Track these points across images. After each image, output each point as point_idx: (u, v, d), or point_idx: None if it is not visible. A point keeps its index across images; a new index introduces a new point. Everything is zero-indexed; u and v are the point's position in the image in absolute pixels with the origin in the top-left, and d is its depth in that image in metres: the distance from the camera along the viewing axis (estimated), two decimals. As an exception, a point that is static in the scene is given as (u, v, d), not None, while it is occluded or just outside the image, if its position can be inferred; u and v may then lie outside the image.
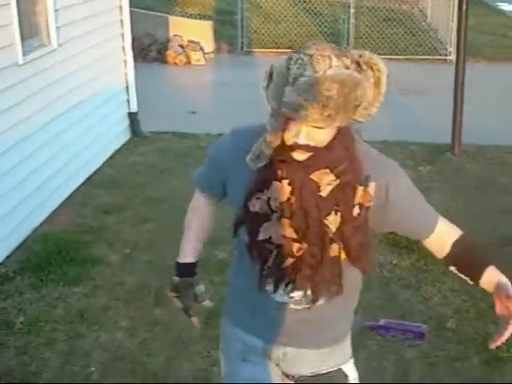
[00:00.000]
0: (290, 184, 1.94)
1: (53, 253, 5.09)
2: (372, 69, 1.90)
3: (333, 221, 1.95)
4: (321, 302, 2.11)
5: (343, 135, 1.95)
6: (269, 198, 1.97)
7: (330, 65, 1.81)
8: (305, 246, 1.97)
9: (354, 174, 1.96)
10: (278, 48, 12.82)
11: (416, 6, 16.43)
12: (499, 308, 2.07)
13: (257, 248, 2.05)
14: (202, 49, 12.57)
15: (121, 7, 7.68)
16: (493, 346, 2.08)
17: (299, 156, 1.91)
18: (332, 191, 1.93)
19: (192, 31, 12.73)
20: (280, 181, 1.95)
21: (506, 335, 2.04)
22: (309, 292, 2.08)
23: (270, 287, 2.10)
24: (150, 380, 3.72)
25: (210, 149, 2.30)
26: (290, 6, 14.76)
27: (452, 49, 12.10)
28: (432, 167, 7.20)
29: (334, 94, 1.79)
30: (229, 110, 8.98)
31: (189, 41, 12.56)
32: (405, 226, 2.15)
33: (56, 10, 6.06)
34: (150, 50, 12.27)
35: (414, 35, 13.52)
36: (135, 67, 8.13)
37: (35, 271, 4.90)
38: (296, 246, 1.98)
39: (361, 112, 1.90)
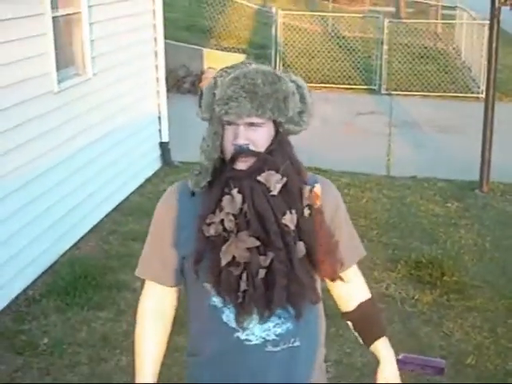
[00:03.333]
0: (239, 192, 1.90)
1: (79, 277, 5.18)
2: (292, 81, 1.98)
3: (290, 219, 1.91)
4: (297, 342, 2.02)
5: (281, 142, 1.97)
6: (222, 220, 1.90)
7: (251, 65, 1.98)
8: (271, 254, 1.89)
9: (298, 175, 1.97)
10: (311, 82, 12.90)
11: (451, 43, 16.45)
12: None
13: (224, 278, 1.90)
14: (235, 81, 12.67)
15: (155, 39, 7.84)
16: None
17: (242, 165, 1.92)
18: (281, 191, 1.91)
19: (226, 64, 12.71)
20: (229, 194, 1.91)
21: None
22: (286, 326, 1.99)
23: (247, 322, 1.96)
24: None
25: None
26: (324, 42, 14.90)
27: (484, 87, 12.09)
28: (460, 204, 7.19)
29: (260, 82, 1.90)
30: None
31: (223, 73, 12.68)
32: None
33: (92, 41, 6.23)
34: (184, 82, 12.43)
35: (446, 73, 13.54)
36: (168, 98, 8.28)
37: (61, 295, 5.00)
38: (262, 257, 1.89)
39: (295, 115, 1.95)
